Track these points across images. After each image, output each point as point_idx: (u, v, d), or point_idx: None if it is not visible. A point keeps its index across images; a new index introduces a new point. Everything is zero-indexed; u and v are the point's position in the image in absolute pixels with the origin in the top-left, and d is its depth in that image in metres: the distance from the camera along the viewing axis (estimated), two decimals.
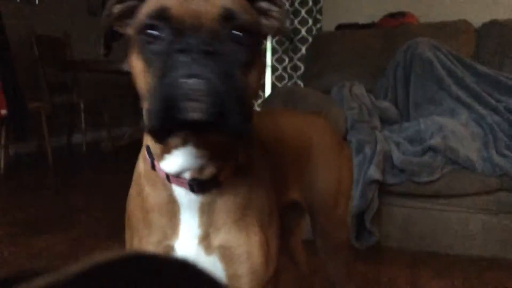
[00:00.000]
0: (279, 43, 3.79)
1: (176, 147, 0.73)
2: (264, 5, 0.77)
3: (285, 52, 3.80)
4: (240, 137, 0.66)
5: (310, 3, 3.65)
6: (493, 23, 2.59)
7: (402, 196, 2.01)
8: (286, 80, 3.85)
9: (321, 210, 1.19)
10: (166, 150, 0.74)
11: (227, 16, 0.66)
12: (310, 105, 2.14)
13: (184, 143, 0.72)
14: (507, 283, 1.73)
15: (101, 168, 3.82)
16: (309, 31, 3.69)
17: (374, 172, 1.91)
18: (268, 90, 3.73)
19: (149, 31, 0.66)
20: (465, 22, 2.67)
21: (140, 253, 0.26)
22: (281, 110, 1.71)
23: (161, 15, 0.65)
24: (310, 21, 3.67)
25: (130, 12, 0.74)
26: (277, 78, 3.85)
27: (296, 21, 3.74)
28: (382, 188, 1.97)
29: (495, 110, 2.18)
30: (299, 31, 3.73)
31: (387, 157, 2.00)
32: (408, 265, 1.87)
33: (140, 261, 0.25)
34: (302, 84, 3.44)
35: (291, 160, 1.10)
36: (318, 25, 3.67)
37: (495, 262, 1.90)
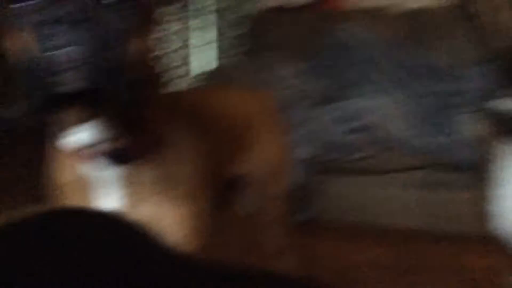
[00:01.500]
0: (223, 18, 3.75)
1: (73, 122, 0.70)
2: None
3: (229, 27, 3.76)
4: (126, 105, 0.66)
5: None
6: (424, 9, 2.68)
7: (337, 173, 2.06)
8: (231, 56, 3.80)
9: (260, 184, 1.20)
10: (66, 125, 0.72)
11: None
12: (248, 83, 2.14)
13: (79, 119, 0.70)
14: (432, 252, 1.84)
15: None
16: (253, 8, 3.65)
17: (308, 151, 1.95)
18: (213, 66, 3.69)
19: (20, 4, 0.62)
20: (396, 7, 2.75)
21: (62, 208, 0.25)
22: (222, 86, 1.70)
23: None
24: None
25: None
26: (222, 53, 3.79)
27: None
28: (317, 165, 2.01)
29: (425, 91, 2.28)
30: (240, 9, 3.69)
31: (322, 135, 2.04)
32: (342, 238, 1.94)
33: (60, 215, 0.24)
34: (243, 63, 3.42)
35: (231, 136, 1.09)
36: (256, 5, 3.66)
37: (426, 234, 2.01)
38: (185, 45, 3.76)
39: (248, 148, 1.16)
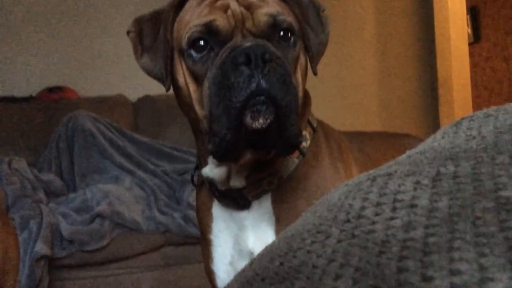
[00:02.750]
0: None
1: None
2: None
3: None
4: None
5: None
6: (146, 98, 2.91)
7: (73, 268, 1.96)
8: None
9: None
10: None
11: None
12: None
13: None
14: None
15: None
16: None
17: (41, 248, 1.81)
18: None
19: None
20: (122, 96, 2.91)
21: None
22: None
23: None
24: None
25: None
26: None
27: None
28: (52, 263, 1.88)
29: (154, 174, 2.41)
30: None
31: (55, 230, 1.94)
32: None
33: None
34: None
35: None
36: None
37: None
38: None
39: None
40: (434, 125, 3.56)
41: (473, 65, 4.10)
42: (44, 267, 1.82)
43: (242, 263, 0.86)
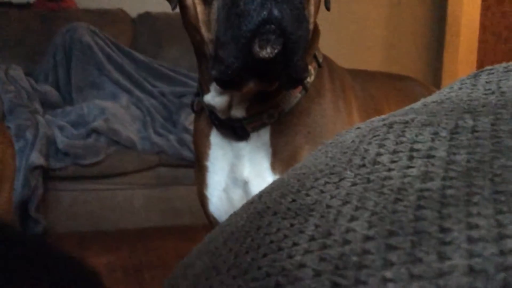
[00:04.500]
0: None
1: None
2: None
3: None
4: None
5: None
6: (147, 15, 2.83)
7: (67, 180, 2.00)
8: None
9: None
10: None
11: None
12: None
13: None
14: (167, 246, 1.96)
15: None
16: None
17: (36, 158, 1.84)
18: None
19: None
20: (122, 11, 2.82)
21: None
22: None
23: None
24: None
25: None
26: None
27: None
28: (47, 174, 1.91)
29: (151, 94, 2.40)
30: None
31: (50, 141, 1.95)
32: (76, 246, 1.89)
33: None
34: None
35: None
36: None
37: (157, 230, 2.12)
38: None
39: None
40: (436, 67, 3.53)
41: (484, 8, 3.98)
42: (39, 177, 1.86)
43: (235, 191, 0.88)
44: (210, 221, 0.97)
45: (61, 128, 2.06)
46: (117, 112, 2.16)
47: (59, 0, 2.85)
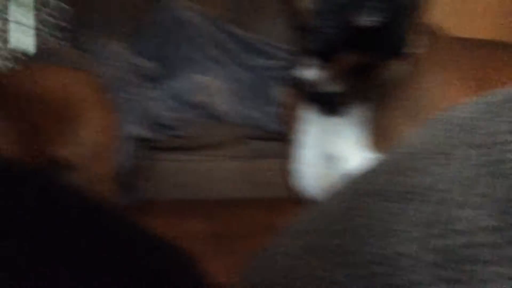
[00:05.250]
0: (42, 3, 3.44)
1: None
2: None
3: (48, 13, 3.47)
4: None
5: None
6: None
7: (166, 151, 2.09)
8: (51, 41, 3.53)
9: (86, 164, 1.17)
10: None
11: None
12: (72, 63, 2.03)
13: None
14: (257, 216, 1.99)
15: None
16: None
17: (136, 129, 1.94)
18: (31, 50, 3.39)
19: None
20: None
21: None
22: (44, 66, 1.58)
23: None
24: None
25: None
26: (41, 41, 3.50)
27: None
28: (146, 144, 2.02)
29: (245, 68, 2.42)
30: None
31: (150, 113, 2.05)
32: (174, 213, 1.99)
33: None
34: (65, 45, 3.21)
35: (54, 115, 1.05)
36: None
37: (250, 202, 2.16)
38: (4, 18, 3.39)
39: (70, 129, 1.12)
40: None
41: None
42: (138, 148, 1.96)
43: (328, 167, 0.86)
44: (299, 196, 0.96)
45: (159, 101, 2.15)
46: (212, 86, 2.21)
47: None
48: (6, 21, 3.46)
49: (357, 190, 0.24)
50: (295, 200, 0.97)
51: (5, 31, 3.47)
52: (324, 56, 0.69)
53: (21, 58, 2.55)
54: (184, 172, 2.14)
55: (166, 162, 2.12)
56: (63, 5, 3.46)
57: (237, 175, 2.19)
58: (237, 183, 2.19)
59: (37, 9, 3.47)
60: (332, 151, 0.85)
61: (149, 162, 2.08)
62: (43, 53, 2.10)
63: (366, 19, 0.60)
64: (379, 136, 0.79)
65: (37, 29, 3.50)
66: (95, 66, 2.15)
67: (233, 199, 2.18)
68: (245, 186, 2.20)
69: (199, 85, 2.19)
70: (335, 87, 0.78)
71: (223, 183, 2.19)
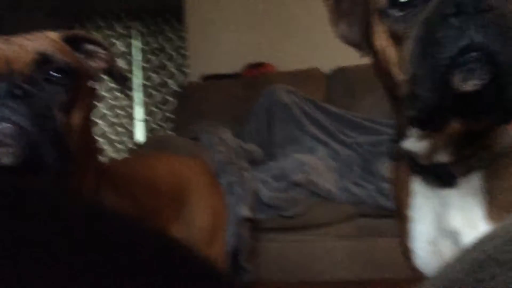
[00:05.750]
0: (149, 96, 3.81)
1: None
2: (90, 48, 0.80)
3: (154, 105, 3.83)
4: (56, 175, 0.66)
5: (175, 56, 3.75)
6: (340, 69, 2.92)
7: (272, 231, 2.10)
8: (158, 131, 3.87)
9: (198, 246, 1.21)
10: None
11: (42, 60, 0.67)
12: (181, 151, 2.18)
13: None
14: None
15: None
16: (176, 82, 3.77)
17: (245, 210, 1.99)
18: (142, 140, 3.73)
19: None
20: (315, 69, 2.97)
21: None
22: (157, 154, 1.72)
23: None
24: (177, 74, 3.77)
25: None
26: (150, 131, 3.85)
27: (163, 75, 3.81)
28: (254, 225, 2.05)
29: (347, 145, 2.42)
30: (167, 84, 3.80)
31: (256, 195, 2.10)
32: None
33: None
34: (172, 134, 3.48)
35: (168, 200, 1.11)
36: (182, 76, 3.78)
37: (358, 283, 2.06)
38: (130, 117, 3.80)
39: (182, 213, 1.18)
40: None
41: None
42: (247, 229, 2.00)
43: (444, 243, 0.80)
44: (416, 275, 0.90)
45: (264, 182, 2.20)
46: (316, 165, 2.23)
47: (261, 67, 3.16)
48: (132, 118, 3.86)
49: (473, 259, 0.22)
50: (412, 280, 0.91)
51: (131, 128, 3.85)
52: (428, 125, 0.66)
53: (132, 148, 2.79)
54: (290, 252, 2.12)
55: (274, 243, 2.12)
56: (168, 97, 3.79)
57: (346, 255, 2.12)
58: (345, 264, 2.11)
59: (145, 102, 3.84)
60: (447, 225, 0.80)
61: (255, 243, 2.10)
62: (152, 142, 2.28)
63: (467, 83, 0.56)
64: (501, 207, 0.73)
65: (145, 120, 3.85)
66: (203, 152, 2.29)
67: (342, 280, 2.09)
68: (354, 267, 2.11)
69: (302, 164, 2.22)
70: (444, 157, 0.75)
71: (331, 264, 2.12)
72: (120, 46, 3.78)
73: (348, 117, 2.56)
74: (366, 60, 0.81)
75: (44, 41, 0.70)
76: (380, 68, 0.75)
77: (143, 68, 3.83)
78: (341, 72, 2.90)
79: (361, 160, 2.33)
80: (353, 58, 0.87)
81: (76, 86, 0.71)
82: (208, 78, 3.47)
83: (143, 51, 3.83)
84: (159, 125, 3.83)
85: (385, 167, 2.14)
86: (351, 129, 2.53)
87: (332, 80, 2.93)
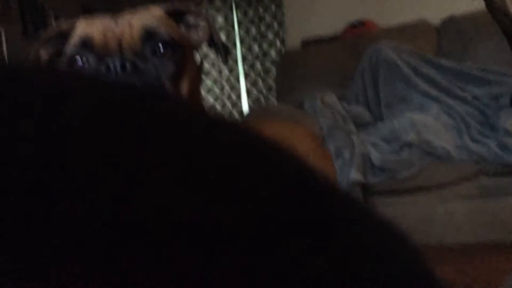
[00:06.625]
0: (251, 67, 3.86)
1: None
2: (192, 20, 0.81)
3: (257, 75, 3.88)
4: None
5: (275, 25, 3.74)
6: (451, 19, 2.69)
7: (385, 195, 2.04)
8: (262, 102, 3.92)
9: None
10: None
11: (148, 35, 0.70)
12: (285, 118, 2.18)
13: None
14: (493, 262, 1.76)
15: None
16: (276, 50, 3.77)
17: (355, 174, 1.94)
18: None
19: (77, 63, 0.68)
20: (423, 22, 2.77)
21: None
22: (260, 121, 1.75)
23: (85, 45, 0.68)
24: (278, 42, 3.76)
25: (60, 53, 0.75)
26: (253, 102, 3.91)
27: (263, 44, 3.83)
28: (365, 189, 2.00)
29: (463, 100, 2.24)
30: (267, 53, 3.81)
31: (366, 158, 2.04)
32: None
33: None
34: (276, 102, 3.51)
35: None
36: (281, 45, 3.76)
37: (482, 245, 1.93)
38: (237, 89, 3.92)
39: None
40: None
41: None
42: (358, 193, 1.96)
43: None
44: None
45: (374, 145, 2.13)
46: (428, 123, 2.10)
47: (362, 25, 3.03)
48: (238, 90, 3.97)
49: None
50: None
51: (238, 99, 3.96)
52: None
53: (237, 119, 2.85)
54: (405, 217, 2.04)
55: (386, 206, 2.06)
56: (269, 66, 3.80)
57: (466, 217, 1.99)
58: (467, 227, 1.99)
59: (247, 73, 3.89)
60: None
61: (373, 206, 2.05)
62: (257, 112, 2.30)
63: None
64: None
65: (248, 91, 3.91)
66: (308, 119, 2.27)
67: (467, 243, 1.98)
68: (477, 229, 1.98)
69: (413, 123, 2.10)
70: None
71: (451, 227, 2.01)
72: (219, 18, 3.85)
73: (462, 70, 2.37)
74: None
75: (149, 17, 0.73)
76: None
77: (243, 40, 3.87)
78: (453, 22, 2.67)
79: (479, 114, 2.16)
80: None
81: (182, 58, 0.74)
82: (307, 43, 3.42)
83: (242, 22, 3.87)
84: (262, 94, 3.87)
85: (508, 120, 1.96)
86: (466, 82, 2.34)
87: (442, 31, 2.71)
